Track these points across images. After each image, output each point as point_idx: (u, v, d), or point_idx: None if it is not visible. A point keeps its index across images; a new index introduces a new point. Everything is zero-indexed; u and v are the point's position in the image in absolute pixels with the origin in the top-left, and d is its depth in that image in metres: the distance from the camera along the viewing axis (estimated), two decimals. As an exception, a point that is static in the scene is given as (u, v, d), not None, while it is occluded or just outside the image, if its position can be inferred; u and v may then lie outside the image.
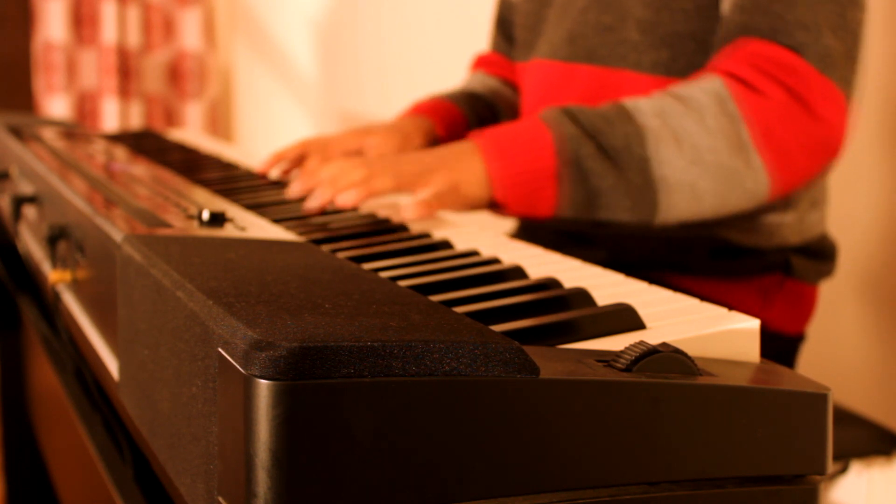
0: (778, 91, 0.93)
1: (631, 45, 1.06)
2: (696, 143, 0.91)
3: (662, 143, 0.91)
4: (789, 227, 1.08)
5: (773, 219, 1.07)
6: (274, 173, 1.14)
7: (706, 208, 0.94)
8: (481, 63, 1.39)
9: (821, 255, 1.13)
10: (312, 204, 0.89)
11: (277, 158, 1.13)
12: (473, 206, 0.91)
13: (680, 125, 0.92)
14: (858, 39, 0.98)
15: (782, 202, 1.07)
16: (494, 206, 0.93)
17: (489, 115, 1.30)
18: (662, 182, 0.91)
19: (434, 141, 1.22)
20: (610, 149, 0.91)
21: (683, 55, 1.03)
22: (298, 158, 1.13)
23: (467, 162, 0.91)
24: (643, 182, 0.91)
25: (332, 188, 0.88)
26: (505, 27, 1.34)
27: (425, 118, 1.22)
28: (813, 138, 0.94)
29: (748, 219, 1.06)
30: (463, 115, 1.26)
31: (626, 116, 0.92)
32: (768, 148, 0.93)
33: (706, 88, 0.94)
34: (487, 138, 0.93)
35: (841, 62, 0.95)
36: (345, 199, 0.85)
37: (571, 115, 0.93)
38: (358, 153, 1.15)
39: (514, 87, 1.34)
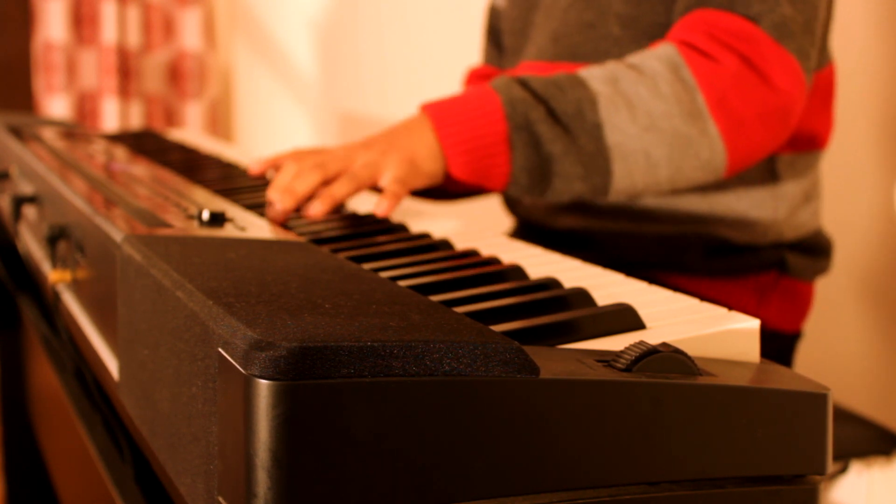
0: (732, 58, 0.92)
1: (612, 40, 1.06)
2: (649, 109, 0.90)
3: (615, 109, 0.89)
4: (783, 222, 1.08)
5: (767, 214, 1.07)
6: (270, 175, 1.14)
7: (661, 177, 0.92)
8: (473, 78, 1.39)
9: (816, 251, 1.13)
10: (274, 212, 0.87)
11: (270, 164, 1.13)
12: (431, 179, 0.90)
13: (633, 91, 0.90)
14: (818, 13, 0.97)
15: (774, 198, 1.07)
16: (449, 178, 0.91)
17: None
18: (616, 148, 0.89)
19: None
20: (561, 114, 0.89)
21: None
22: None
23: (418, 134, 0.90)
24: (596, 148, 0.89)
25: (291, 196, 0.85)
26: (495, 36, 1.34)
27: None
28: (768, 107, 0.93)
29: (741, 215, 1.06)
30: None
31: (578, 83, 0.91)
32: (723, 115, 0.91)
33: (660, 55, 0.93)
34: (437, 107, 0.91)
35: (798, 32, 0.94)
36: (313, 211, 0.84)
37: (521, 81, 0.92)
38: None
39: None
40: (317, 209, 0.84)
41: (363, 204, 0.94)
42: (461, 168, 0.90)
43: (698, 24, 0.94)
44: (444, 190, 1.02)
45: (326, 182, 0.87)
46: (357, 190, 0.86)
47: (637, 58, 0.94)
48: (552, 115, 0.89)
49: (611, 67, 0.93)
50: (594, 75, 0.92)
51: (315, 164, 0.87)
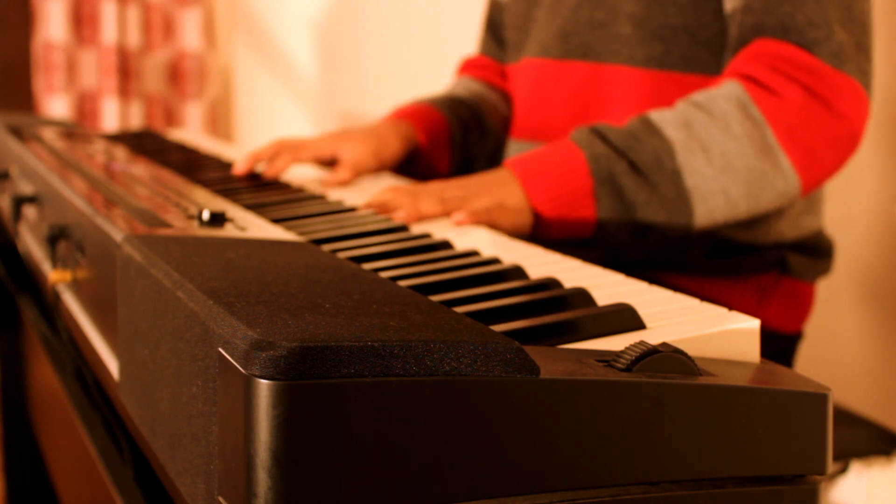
0: (796, 91, 0.95)
1: (624, 39, 1.07)
2: (723, 150, 0.94)
3: (691, 155, 0.94)
4: (785, 222, 1.08)
5: (769, 214, 1.07)
6: (261, 167, 1.14)
7: (740, 211, 0.96)
8: (467, 67, 1.39)
9: (817, 252, 1.13)
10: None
11: (254, 159, 1.13)
12: (517, 226, 0.94)
13: (706, 134, 0.94)
14: (868, 29, 1.00)
15: None
16: (538, 228, 0.96)
17: (472, 120, 1.30)
18: (695, 191, 0.94)
19: (413, 147, 1.22)
20: (641, 164, 0.93)
21: (677, 48, 1.05)
22: (273, 158, 1.13)
23: (508, 187, 0.95)
24: (676, 194, 0.94)
25: (382, 211, 0.91)
26: (495, 29, 1.35)
27: (406, 123, 1.23)
28: (835, 133, 0.96)
29: None
30: (445, 120, 1.26)
31: (653, 131, 0.95)
32: (794, 147, 0.95)
33: (727, 95, 0.96)
34: (522, 164, 0.96)
35: (853, 55, 0.97)
36: (396, 218, 0.87)
37: (601, 134, 0.96)
38: (332, 158, 1.15)
39: (499, 91, 1.34)
40: (400, 216, 0.88)
41: (360, 201, 0.94)
42: (550, 220, 0.95)
43: (759, 56, 0.98)
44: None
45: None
46: (443, 212, 0.90)
47: (704, 97, 0.97)
48: (633, 166, 0.94)
49: (681, 110, 0.96)
50: (667, 121, 0.95)
51: (408, 192, 0.92)
